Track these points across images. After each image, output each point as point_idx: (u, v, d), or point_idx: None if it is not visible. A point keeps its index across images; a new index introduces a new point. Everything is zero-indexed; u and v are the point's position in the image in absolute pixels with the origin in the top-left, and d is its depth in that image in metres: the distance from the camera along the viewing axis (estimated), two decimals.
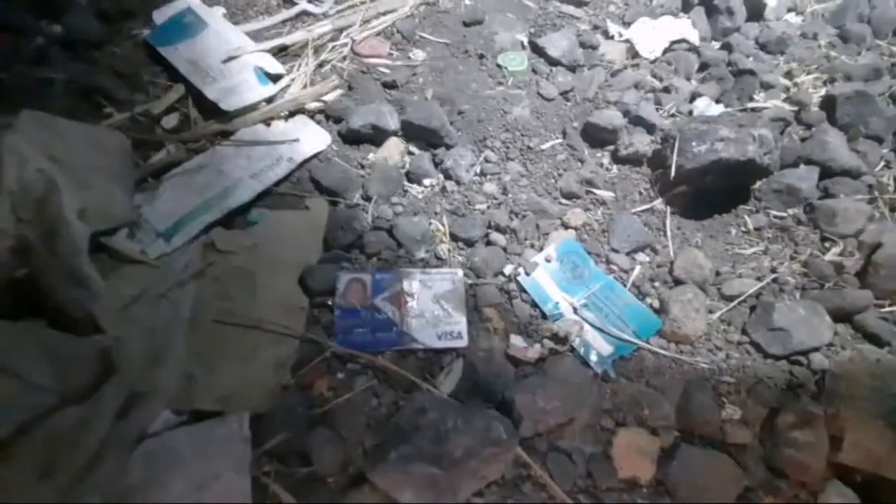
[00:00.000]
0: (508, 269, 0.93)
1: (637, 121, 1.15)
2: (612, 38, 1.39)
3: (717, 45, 1.42)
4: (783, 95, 1.24)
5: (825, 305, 0.86)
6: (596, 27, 1.42)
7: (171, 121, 1.09)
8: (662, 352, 0.85)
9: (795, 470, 0.71)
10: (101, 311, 0.73)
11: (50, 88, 1.10)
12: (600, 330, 0.85)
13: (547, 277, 0.89)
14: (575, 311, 0.87)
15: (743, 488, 0.72)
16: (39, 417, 0.70)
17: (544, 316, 0.88)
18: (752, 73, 1.25)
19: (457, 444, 0.66)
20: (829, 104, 1.19)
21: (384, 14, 1.35)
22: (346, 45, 1.27)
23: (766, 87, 1.26)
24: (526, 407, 0.73)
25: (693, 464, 0.73)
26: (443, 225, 0.98)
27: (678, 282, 0.93)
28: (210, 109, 1.10)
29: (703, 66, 1.33)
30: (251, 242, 0.93)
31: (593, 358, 0.82)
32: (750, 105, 1.20)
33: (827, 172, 1.06)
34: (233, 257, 0.91)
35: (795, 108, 1.20)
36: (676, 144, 1.00)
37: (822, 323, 0.84)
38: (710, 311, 0.90)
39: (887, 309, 0.88)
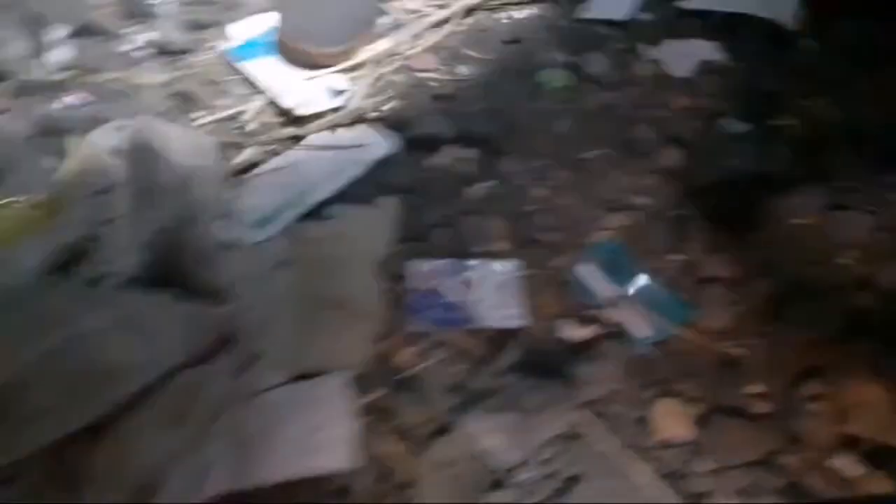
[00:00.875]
0: (559, 263, 1.10)
1: (668, 136, 1.33)
2: (644, 57, 1.57)
3: (743, 64, 1.60)
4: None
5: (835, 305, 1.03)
6: (629, 47, 1.60)
7: (250, 126, 1.27)
8: (695, 338, 1.01)
9: (810, 437, 0.88)
10: (225, 285, 0.90)
11: (145, 91, 1.28)
12: (640, 317, 1.02)
13: (595, 271, 1.06)
14: (617, 300, 1.04)
15: (766, 451, 0.89)
16: (170, 374, 0.87)
17: (592, 304, 1.05)
18: (772, 94, 1.43)
19: (533, 399, 0.83)
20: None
21: (432, 33, 1.54)
22: (399, 61, 1.46)
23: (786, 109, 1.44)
24: (583, 375, 0.90)
25: (721, 429, 0.89)
26: (497, 223, 1.15)
27: (707, 280, 1.09)
28: (283, 118, 1.28)
29: (728, 86, 1.50)
30: (333, 234, 1.10)
31: (634, 339, 0.99)
32: (770, 122, 1.37)
33: None
34: (317, 247, 1.08)
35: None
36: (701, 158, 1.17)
37: (832, 317, 1.01)
38: (735, 305, 1.07)
39: None
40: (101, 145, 0.95)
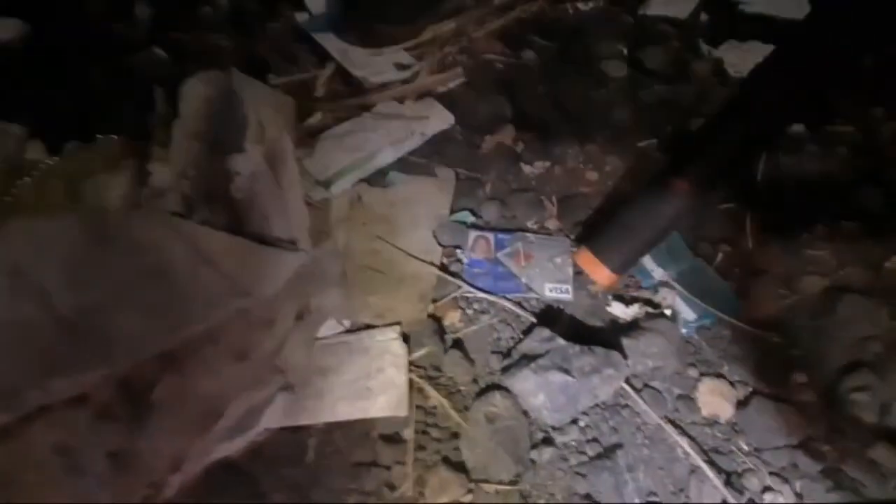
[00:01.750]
0: None
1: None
2: (703, 55, 1.56)
3: None
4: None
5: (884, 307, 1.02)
6: (689, 45, 1.59)
7: (321, 91, 1.31)
8: (741, 325, 1.01)
9: (851, 426, 0.87)
10: (301, 240, 0.93)
11: (220, 54, 1.33)
12: (688, 300, 1.02)
13: (652, 253, 1.07)
14: (667, 283, 1.04)
15: (805, 437, 0.88)
16: (240, 311, 0.90)
17: (640, 284, 1.05)
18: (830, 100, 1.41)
19: (584, 362, 0.85)
20: None
21: (498, 17, 1.55)
22: (464, 41, 1.48)
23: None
24: (630, 349, 0.91)
25: (764, 412, 0.89)
26: (551, 202, 1.17)
27: (758, 271, 1.09)
28: (352, 87, 1.31)
29: None
30: (392, 198, 1.12)
31: (681, 321, 1.00)
32: (827, 128, 1.35)
33: None
34: (376, 209, 1.11)
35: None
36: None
37: (881, 317, 1.00)
38: (784, 298, 1.06)
39: None
40: (192, 94, 0.99)
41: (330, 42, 1.38)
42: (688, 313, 1.01)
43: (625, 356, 0.91)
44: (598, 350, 0.87)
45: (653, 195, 0.94)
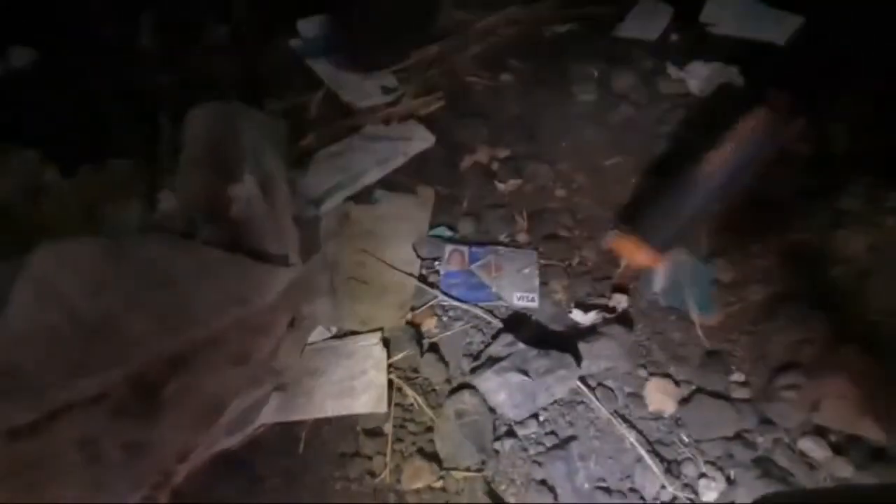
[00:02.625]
0: (573, 257, 1.21)
1: (682, 151, 1.41)
2: (669, 76, 1.65)
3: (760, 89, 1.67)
4: None
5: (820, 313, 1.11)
6: (657, 66, 1.68)
7: (313, 115, 1.41)
8: (687, 330, 1.11)
9: (781, 421, 0.97)
10: (293, 255, 1.03)
11: (221, 80, 1.43)
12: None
13: None
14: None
15: (740, 429, 0.98)
16: (240, 319, 1.00)
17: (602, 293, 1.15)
18: None
19: (540, 364, 0.95)
20: None
21: (479, 41, 1.65)
22: (446, 65, 1.57)
23: None
24: (586, 352, 1.01)
25: (704, 407, 0.99)
26: (521, 217, 1.26)
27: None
28: (342, 110, 1.41)
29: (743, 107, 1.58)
30: (376, 215, 1.22)
31: (648, 288, 1.12)
32: None
33: None
34: (362, 224, 1.20)
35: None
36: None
37: (817, 322, 1.09)
38: (731, 304, 1.16)
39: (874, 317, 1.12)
40: (195, 124, 1.09)
41: (321, 66, 1.48)
42: (658, 284, 1.11)
43: (580, 358, 1.01)
44: (554, 353, 0.97)
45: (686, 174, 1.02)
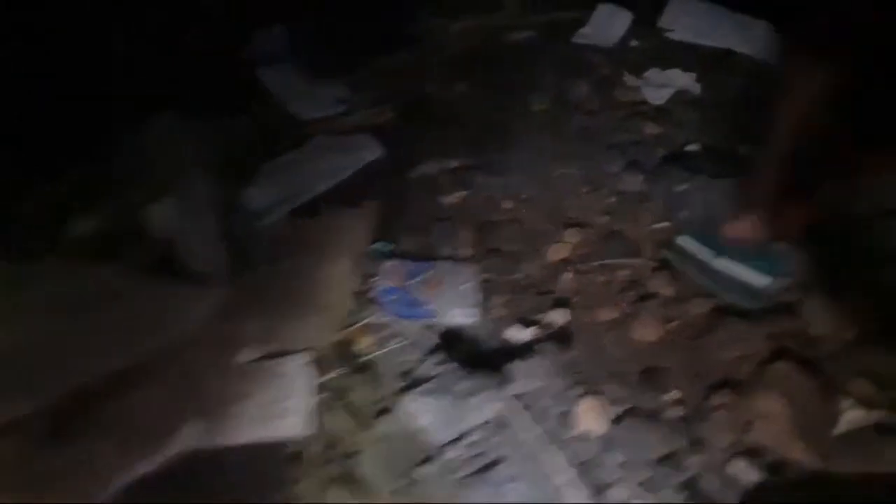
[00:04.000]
0: (517, 273, 1.17)
1: (634, 162, 1.37)
2: (626, 84, 1.61)
3: (718, 95, 1.62)
4: None
5: (758, 326, 1.07)
6: (615, 74, 1.63)
7: (263, 126, 1.36)
8: (623, 346, 1.07)
9: (712, 442, 0.93)
10: (218, 275, 0.99)
11: (174, 93, 1.37)
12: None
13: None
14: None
15: (670, 451, 0.94)
16: (164, 343, 0.96)
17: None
18: (739, 126, 1.46)
19: (466, 385, 0.91)
20: None
21: (436, 51, 1.60)
22: (402, 75, 1.53)
23: None
24: (519, 370, 0.97)
25: (634, 428, 0.95)
26: (467, 230, 1.22)
27: (648, 296, 1.14)
28: (292, 121, 1.37)
29: (702, 117, 1.53)
30: (319, 228, 1.18)
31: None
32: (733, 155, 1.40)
33: None
34: (303, 239, 1.16)
35: None
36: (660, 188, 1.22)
37: (753, 339, 1.06)
38: (671, 321, 1.12)
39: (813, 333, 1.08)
40: (132, 142, 1.04)
41: (274, 77, 1.43)
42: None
43: (512, 377, 0.97)
44: (481, 374, 0.94)
45: None
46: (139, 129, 1.06)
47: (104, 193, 0.99)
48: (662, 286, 1.15)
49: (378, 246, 1.17)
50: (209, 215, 1.02)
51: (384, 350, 1.03)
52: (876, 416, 0.99)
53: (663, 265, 1.19)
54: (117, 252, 0.94)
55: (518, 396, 0.98)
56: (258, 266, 1.09)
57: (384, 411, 0.95)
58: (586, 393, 1.00)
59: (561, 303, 1.13)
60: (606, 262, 1.19)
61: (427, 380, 0.93)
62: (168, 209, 0.97)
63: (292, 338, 1.01)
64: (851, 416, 0.98)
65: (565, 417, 0.97)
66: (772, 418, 0.95)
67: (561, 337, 1.07)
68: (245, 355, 0.99)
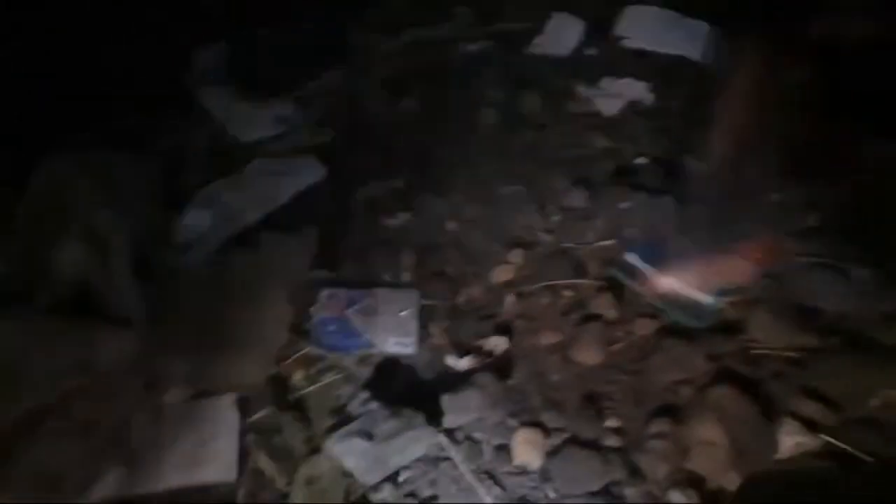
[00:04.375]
0: (459, 297, 1.14)
1: (582, 179, 1.34)
2: (578, 95, 1.58)
3: (673, 104, 1.59)
4: None
5: (701, 346, 1.06)
6: (568, 85, 1.61)
7: (200, 151, 1.32)
8: (566, 370, 1.05)
9: (650, 472, 0.91)
10: (136, 314, 0.95)
11: (106, 120, 1.33)
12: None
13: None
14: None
15: (608, 481, 0.92)
16: (82, 386, 0.93)
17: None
18: (686, 136, 1.44)
19: (388, 426, 0.88)
20: None
21: (385, 64, 1.57)
22: (348, 92, 1.49)
23: None
24: (453, 404, 0.94)
25: (571, 459, 0.93)
26: (408, 254, 1.19)
27: (591, 317, 1.12)
28: (231, 143, 1.33)
29: (653, 128, 1.51)
30: (255, 259, 1.14)
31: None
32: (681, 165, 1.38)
33: None
34: (236, 271, 1.13)
35: None
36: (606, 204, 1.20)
37: (696, 360, 1.04)
38: (615, 342, 1.10)
39: (758, 351, 1.07)
40: (40, 180, 1.00)
41: (212, 99, 1.39)
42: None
43: (446, 410, 0.94)
44: (406, 413, 0.91)
45: None
46: (53, 160, 1.01)
47: (11, 231, 0.95)
48: (607, 307, 1.13)
49: (317, 273, 1.14)
50: (123, 252, 0.98)
51: (318, 385, 1.00)
52: (821, 439, 0.98)
53: (609, 284, 1.17)
54: (28, 294, 0.90)
55: (451, 431, 0.95)
56: (188, 300, 1.05)
57: (315, 451, 0.92)
58: (523, 424, 0.98)
59: (502, 328, 1.11)
60: (550, 283, 1.17)
61: (352, 420, 0.90)
62: (77, 249, 0.93)
63: (222, 376, 0.98)
64: (794, 441, 0.96)
65: (501, 451, 0.95)
66: (709, 446, 0.93)
67: (501, 364, 1.05)
68: (171, 396, 0.96)
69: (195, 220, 1.17)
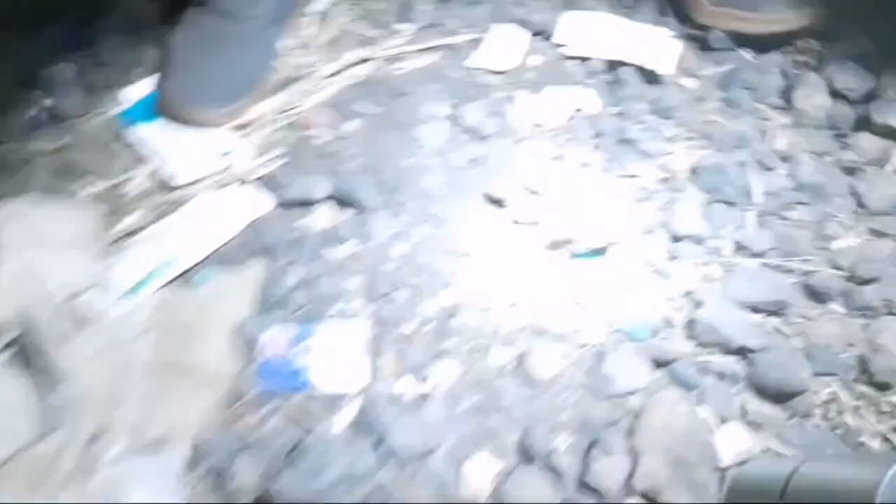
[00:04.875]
0: (409, 323, 1.13)
1: (528, 189, 1.35)
2: (522, 106, 1.58)
3: (615, 109, 1.60)
4: (658, 163, 1.44)
5: (646, 355, 1.07)
6: (511, 96, 1.60)
7: (135, 193, 1.28)
8: (517, 390, 1.05)
9: (594, 493, 0.92)
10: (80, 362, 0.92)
11: (36, 161, 1.29)
12: None
13: None
14: None
15: (561, 500, 0.93)
16: (23, 448, 0.90)
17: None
18: (630, 141, 1.45)
19: (328, 474, 0.87)
20: (694, 172, 1.40)
21: (323, 87, 1.54)
22: (289, 117, 1.47)
23: (645, 155, 1.45)
24: (396, 440, 0.93)
25: (521, 483, 0.93)
26: (355, 283, 1.18)
27: (540, 332, 1.13)
28: (168, 183, 1.29)
29: (597, 135, 1.52)
30: (196, 300, 1.12)
31: None
32: (622, 174, 1.39)
33: (675, 237, 1.26)
34: (180, 313, 1.10)
35: (666, 176, 1.40)
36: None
37: (641, 370, 1.05)
38: (565, 357, 1.10)
39: (702, 359, 1.08)
40: None
41: (146, 136, 1.35)
42: None
43: (394, 443, 0.94)
44: (346, 458, 0.91)
45: None
46: None
47: None
48: (560, 315, 1.14)
49: (264, 311, 1.12)
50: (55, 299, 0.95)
51: (265, 429, 0.98)
52: (763, 437, 1.00)
53: (559, 291, 1.17)
54: None
55: (402, 463, 0.95)
56: (127, 349, 1.03)
57: (262, 499, 0.91)
58: (476, 449, 0.98)
59: (454, 350, 1.10)
60: (501, 297, 1.16)
61: (294, 466, 0.89)
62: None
63: (169, 426, 0.96)
64: (739, 445, 0.98)
65: (453, 482, 0.95)
66: (652, 460, 0.95)
67: (453, 388, 1.05)
68: (116, 451, 0.93)
69: (133, 265, 1.14)
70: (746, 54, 1.68)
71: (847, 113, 1.48)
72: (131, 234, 1.20)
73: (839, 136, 1.46)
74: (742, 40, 1.68)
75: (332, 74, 1.57)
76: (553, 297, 1.18)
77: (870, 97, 1.50)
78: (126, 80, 1.45)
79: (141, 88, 1.42)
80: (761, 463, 0.91)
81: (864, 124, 1.45)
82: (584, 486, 0.94)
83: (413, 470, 0.95)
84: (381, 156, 1.41)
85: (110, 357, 1.00)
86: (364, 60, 1.62)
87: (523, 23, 1.74)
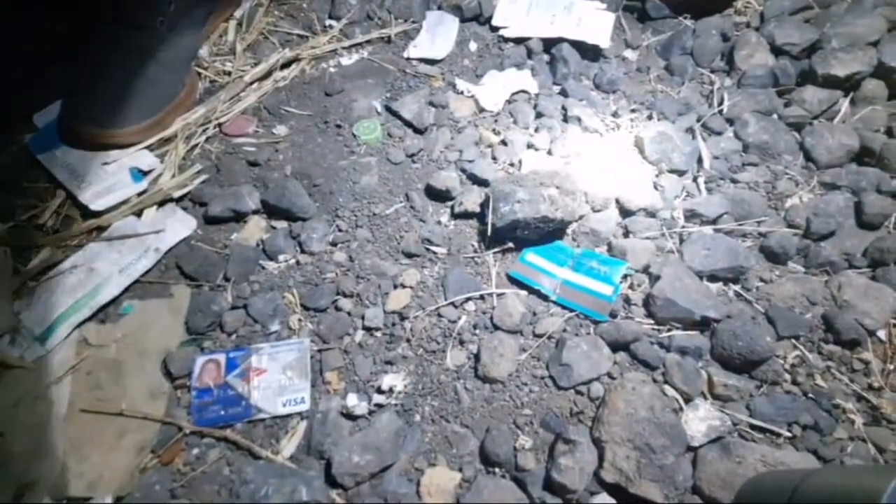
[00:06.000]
0: (354, 334, 1.06)
1: (472, 178, 1.29)
2: (461, 94, 1.52)
3: (557, 88, 1.55)
4: (604, 139, 1.39)
5: (605, 338, 1.01)
6: (449, 84, 1.54)
7: (51, 225, 1.19)
8: (475, 391, 0.99)
9: (561, 491, 0.86)
10: None
11: None
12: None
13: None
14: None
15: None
16: None
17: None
18: (574, 119, 1.40)
19: (297, 489, 0.80)
20: (640, 143, 1.35)
21: (250, 92, 1.46)
22: (214, 126, 1.38)
23: (590, 131, 1.41)
24: (341, 465, 0.86)
25: (484, 492, 0.87)
26: (293, 297, 1.11)
27: (496, 328, 1.07)
28: (84, 212, 1.20)
29: (539, 116, 1.46)
30: (120, 334, 1.04)
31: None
32: (567, 153, 1.34)
33: (627, 212, 1.21)
34: (104, 350, 1.02)
35: (612, 151, 1.35)
36: (490, 205, 1.14)
37: (602, 355, 1.00)
38: (523, 350, 1.04)
39: (663, 335, 1.03)
40: None
41: (56, 161, 1.26)
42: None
43: (343, 463, 0.87)
44: (287, 487, 0.84)
45: None
46: None
47: None
48: (510, 314, 1.08)
49: (192, 340, 1.04)
50: None
51: (203, 468, 0.91)
52: (733, 410, 0.96)
53: (511, 289, 1.11)
54: None
55: (355, 488, 0.88)
56: (47, 396, 0.94)
57: None
58: (432, 462, 0.91)
59: (403, 359, 1.04)
60: (450, 299, 1.10)
61: (257, 490, 0.82)
62: None
63: (93, 477, 0.88)
64: (708, 422, 0.94)
65: (411, 499, 0.88)
66: (618, 449, 0.89)
67: (404, 399, 0.98)
68: None
69: (48, 303, 1.05)
70: (685, 20, 1.66)
71: (790, 68, 1.45)
72: (48, 268, 1.10)
73: (784, 93, 1.44)
74: (680, 6, 1.66)
75: (259, 79, 1.49)
76: (507, 289, 1.12)
77: (812, 50, 1.48)
78: (38, 106, 1.35)
79: (51, 112, 1.32)
80: (769, 475, 0.86)
81: (808, 77, 1.43)
82: (550, 484, 0.88)
83: (367, 490, 0.88)
84: (314, 159, 1.33)
85: (32, 407, 0.92)
86: (292, 61, 1.55)
87: (457, 9, 1.68)
